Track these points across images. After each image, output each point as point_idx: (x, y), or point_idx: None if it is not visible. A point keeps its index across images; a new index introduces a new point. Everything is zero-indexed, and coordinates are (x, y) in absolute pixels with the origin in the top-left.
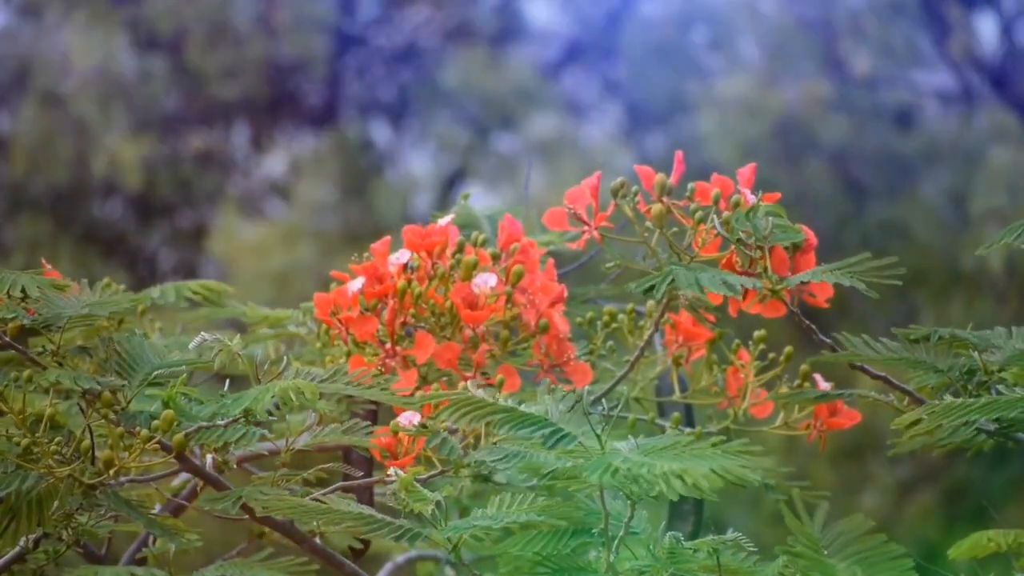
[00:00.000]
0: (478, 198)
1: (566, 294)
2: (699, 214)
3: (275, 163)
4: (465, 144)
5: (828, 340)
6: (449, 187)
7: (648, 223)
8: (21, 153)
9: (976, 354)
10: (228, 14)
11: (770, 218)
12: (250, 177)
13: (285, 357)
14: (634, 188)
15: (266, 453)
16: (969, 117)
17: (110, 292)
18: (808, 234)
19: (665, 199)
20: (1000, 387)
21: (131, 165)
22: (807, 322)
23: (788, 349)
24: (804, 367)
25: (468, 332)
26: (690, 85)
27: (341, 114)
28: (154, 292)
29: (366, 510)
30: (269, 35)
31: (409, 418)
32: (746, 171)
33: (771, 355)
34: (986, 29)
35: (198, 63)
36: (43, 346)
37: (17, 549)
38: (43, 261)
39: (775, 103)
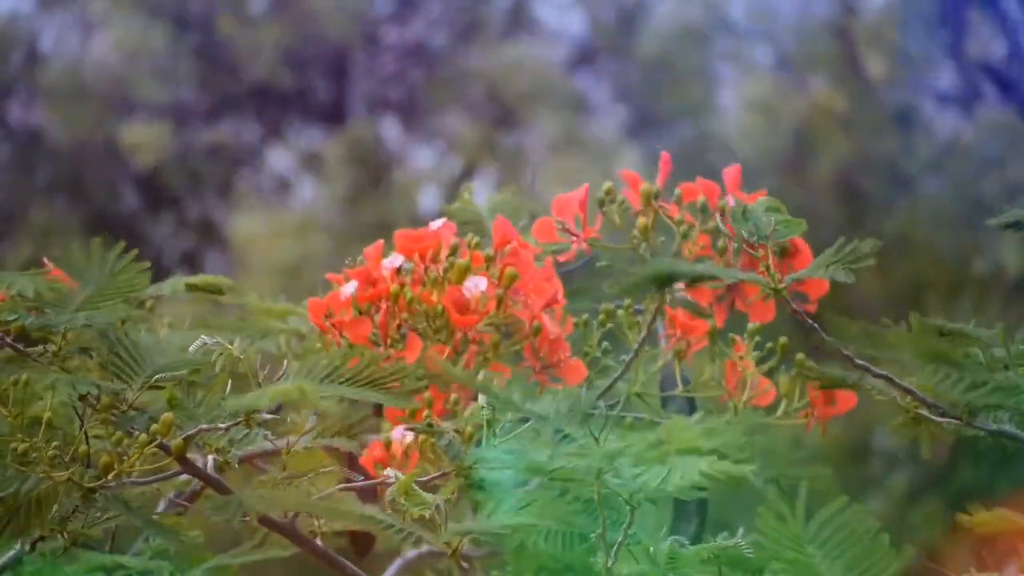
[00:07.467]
0: (486, 196)
1: (563, 292)
2: (684, 229)
3: (283, 157)
4: (474, 142)
5: (828, 338)
6: (458, 184)
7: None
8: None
9: (978, 351)
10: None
11: (771, 215)
12: (259, 170)
13: (285, 359)
14: (624, 189)
15: (270, 448)
16: (978, 120)
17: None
18: (797, 241)
19: (653, 203)
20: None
21: (145, 148)
22: (809, 321)
23: (783, 340)
24: (800, 356)
25: (460, 335)
26: (703, 89)
27: (350, 110)
28: (164, 288)
29: (369, 510)
30: (284, 26)
31: (402, 433)
32: (732, 172)
33: (768, 345)
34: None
35: (212, 51)
36: (44, 347)
37: (15, 551)
38: (45, 260)
39: (788, 110)
